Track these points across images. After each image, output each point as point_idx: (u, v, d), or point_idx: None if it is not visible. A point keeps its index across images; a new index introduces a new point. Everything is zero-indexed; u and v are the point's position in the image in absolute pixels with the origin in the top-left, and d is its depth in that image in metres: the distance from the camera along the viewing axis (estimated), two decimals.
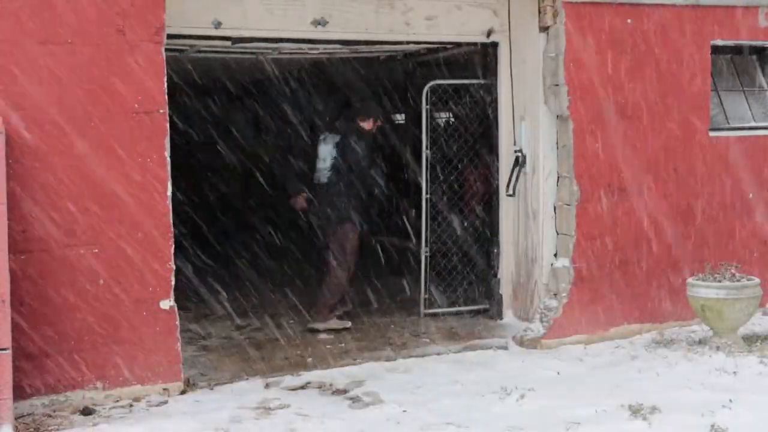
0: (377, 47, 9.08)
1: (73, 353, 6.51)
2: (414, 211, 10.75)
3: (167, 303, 6.80)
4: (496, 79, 8.76)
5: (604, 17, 8.12)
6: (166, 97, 6.75)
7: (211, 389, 6.93)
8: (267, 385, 6.96)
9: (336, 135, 8.86)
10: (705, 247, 8.62)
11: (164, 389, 6.77)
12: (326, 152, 8.82)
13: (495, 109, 8.80)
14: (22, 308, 6.27)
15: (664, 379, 6.91)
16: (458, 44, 8.83)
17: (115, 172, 6.59)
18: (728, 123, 8.93)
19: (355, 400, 6.57)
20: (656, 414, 6.01)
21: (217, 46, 8.44)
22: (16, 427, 5.91)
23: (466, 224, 9.50)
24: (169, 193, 6.77)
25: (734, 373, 6.95)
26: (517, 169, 8.51)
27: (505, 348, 8.02)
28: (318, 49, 8.82)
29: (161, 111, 6.71)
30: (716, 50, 8.75)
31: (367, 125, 8.88)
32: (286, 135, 12.74)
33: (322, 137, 8.98)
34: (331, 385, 6.94)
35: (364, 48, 9.04)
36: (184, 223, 10.26)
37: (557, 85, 8.08)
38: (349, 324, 8.75)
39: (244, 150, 14.76)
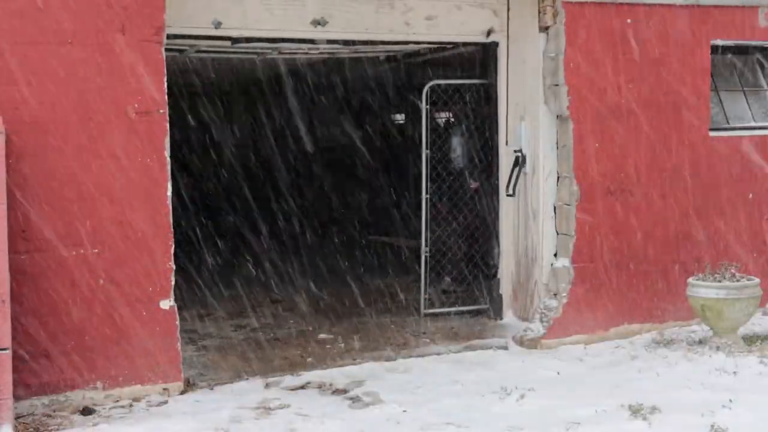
0: (377, 47, 9.08)
1: (73, 353, 6.51)
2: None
3: (167, 303, 6.80)
4: (495, 79, 8.76)
5: (604, 17, 8.12)
6: (166, 96, 6.76)
7: (211, 389, 6.93)
8: (267, 385, 6.96)
9: (459, 126, 9.84)
10: (705, 247, 8.61)
11: (164, 389, 6.77)
12: (456, 142, 9.83)
13: (495, 109, 8.80)
14: (22, 308, 6.27)
15: (664, 379, 6.91)
16: (458, 44, 8.83)
17: (115, 172, 6.60)
18: (728, 123, 8.93)
19: (355, 400, 6.57)
20: (656, 414, 6.01)
21: (218, 46, 8.44)
22: (16, 427, 5.90)
23: (466, 224, 9.49)
24: (169, 193, 6.77)
25: (734, 373, 6.95)
26: (517, 169, 8.51)
27: (505, 348, 8.02)
28: (318, 49, 8.82)
29: (161, 111, 6.72)
30: (716, 50, 8.74)
31: None
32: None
33: (451, 130, 9.96)
34: (331, 385, 6.94)
35: (364, 48, 9.03)
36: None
37: (557, 85, 8.08)
38: None
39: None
